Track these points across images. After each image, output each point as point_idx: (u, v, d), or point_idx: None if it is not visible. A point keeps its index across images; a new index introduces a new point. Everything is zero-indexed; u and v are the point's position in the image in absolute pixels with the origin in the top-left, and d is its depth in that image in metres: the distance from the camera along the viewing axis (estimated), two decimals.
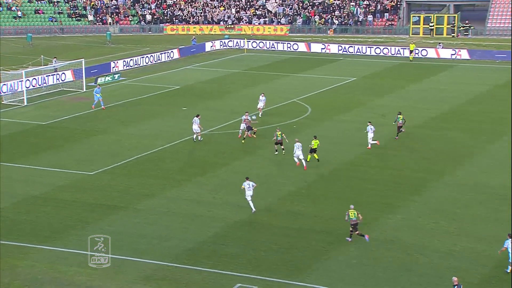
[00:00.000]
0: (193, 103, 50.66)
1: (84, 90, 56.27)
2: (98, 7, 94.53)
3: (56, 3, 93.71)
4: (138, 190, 33.87)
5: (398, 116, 42.19)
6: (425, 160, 38.70)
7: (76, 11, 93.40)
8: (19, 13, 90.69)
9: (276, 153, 38.64)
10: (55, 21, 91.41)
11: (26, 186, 34.45)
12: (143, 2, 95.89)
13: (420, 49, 73.40)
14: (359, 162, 38.27)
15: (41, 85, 56.45)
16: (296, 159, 36.81)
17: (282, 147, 38.66)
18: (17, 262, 26.43)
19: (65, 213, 31.09)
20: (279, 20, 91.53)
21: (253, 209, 30.82)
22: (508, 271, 25.59)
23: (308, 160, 37.17)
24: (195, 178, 35.40)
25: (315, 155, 37.37)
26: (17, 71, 56.03)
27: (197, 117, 41.60)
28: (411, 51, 71.34)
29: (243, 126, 41.38)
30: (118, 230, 29.06)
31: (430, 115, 48.42)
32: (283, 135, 38.63)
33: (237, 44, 79.61)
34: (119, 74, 62.16)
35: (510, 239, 25.49)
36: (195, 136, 41.44)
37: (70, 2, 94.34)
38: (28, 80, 54.65)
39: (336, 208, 31.44)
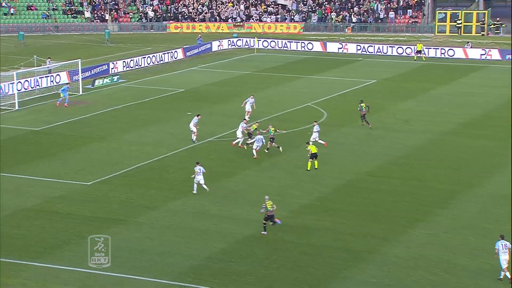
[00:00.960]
0: (199, 108, 50.67)
1: (81, 93, 56.47)
2: (95, 3, 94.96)
3: None
4: (139, 202, 33.91)
5: (361, 104, 45.58)
6: (453, 170, 38.54)
7: (72, 7, 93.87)
8: (12, 10, 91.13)
9: (266, 151, 39.99)
10: (49, 18, 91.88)
11: (17, 198, 34.54)
12: None
13: (446, 48, 73.29)
14: (380, 172, 38.18)
15: (34, 88, 56.68)
16: (255, 152, 39.48)
17: (277, 145, 40.25)
18: (6, 280, 26.46)
19: (59, 227, 31.14)
20: (292, 17, 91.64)
21: (194, 191, 34.40)
22: (502, 277, 26.09)
23: (309, 168, 37.71)
24: (200, 189, 35.39)
25: (315, 161, 37.84)
26: (7, 72, 56.30)
27: (197, 116, 42.78)
28: (418, 51, 71.38)
29: (240, 133, 41.57)
30: (117, 245, 29.05)
31: (458, 121, 48.29)
32: (277, 130, 40.29)
33: (246, 44, 79.76)
34: (118, 76, 62.37)
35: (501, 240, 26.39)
36: (193, 137, 42.52)
37: None
38: (19, 82, 54.87)
39: (355, 223, 31.37)
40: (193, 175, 34.34)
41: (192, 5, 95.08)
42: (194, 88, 58.78)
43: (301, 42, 78.57)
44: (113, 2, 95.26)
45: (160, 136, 44.61)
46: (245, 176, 37.40)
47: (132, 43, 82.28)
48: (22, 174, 37.79)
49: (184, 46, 75.14)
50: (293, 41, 79.42)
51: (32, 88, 56.51)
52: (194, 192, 34.39)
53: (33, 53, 64.27)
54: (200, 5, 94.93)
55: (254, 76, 64.10)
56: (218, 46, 78.76)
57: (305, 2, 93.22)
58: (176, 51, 73.04)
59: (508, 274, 26.14)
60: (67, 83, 55.55)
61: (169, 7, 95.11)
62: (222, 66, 69.35)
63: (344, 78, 63.12)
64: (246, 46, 79.26)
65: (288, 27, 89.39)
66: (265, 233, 30.09)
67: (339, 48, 76.63)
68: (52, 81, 58.22)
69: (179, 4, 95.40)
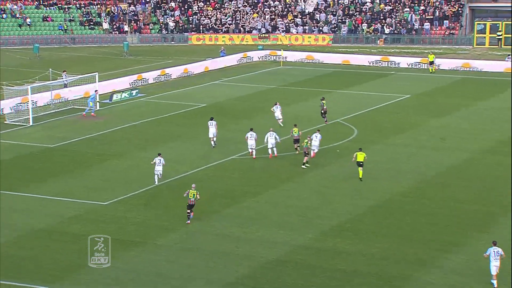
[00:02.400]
0: (222, 123, 50.67)
1: (98, 108, 56.85)
2: (114, 14, 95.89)
3: (67, 10, 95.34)
4: (158, 223, 33.95)
5: (322, 102, 50.41)
6: (493, 191, 38.15)
7: (90, 18, 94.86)
8: (28, 21, 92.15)
9: (297, 152, 43.01)
10: (65, 30, 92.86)
11: (30, 218, 34.73)
12: (166, 9, 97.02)
13: (486, 62, 72.75)
14: (414, 192, 37.91)
15: (49, 103, 57.18)
16: (270, 150, 42.57)
17: (298, 145, 43.41)
18: None
19: (74, 248, 31.22)
20: (320, 28, 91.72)
21: (156, 182, 38.11)
22: (495, 285, 27.03)
23: (361, 176, 38.91)
24: (222, 210, 35.36)
25: (360, 171, 38.77)
26: (22, 86, 56.84)
27: (211, 120, 45.22)
28: (431, 62, 71.34)
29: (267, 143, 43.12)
30: (134, 268, 29.08)
31: (499, 138, 47.87)
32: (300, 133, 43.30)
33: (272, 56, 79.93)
34: (137, 90, 62.75)
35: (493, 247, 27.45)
36: (213, 142, 44.92)
37: (82, 8, 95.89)
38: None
39: (387, 247, 31.12)
40: (152, 162, 38.08)
41: (215, 15, 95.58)
42: (216, 103, 58.92)
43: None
44: (133, 13, 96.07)
45: (180, 154, 44.71)
46: (270, 196, 37.31)
47: (152, 55, 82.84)
48: (35, 193, 38.02)
49: (206, 59, 75.46)
50: (322, 53, 79.46)
51: (47, 103, 57.00)
52: (156, 183, 38.08)
53: (49, 66, 64.91)
54: (223, 16, 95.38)
55: (280, 91, 64.11)
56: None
57: (334, 13, 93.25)
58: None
59: (495, 282, 26.94)
60: (96, 90, 56.03)
61: (191, 18, 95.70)
62: (247, 79, 69.50)
63: (376, 92, 62.91)
64: (271, 59, 79.43)
65: (316, 38, 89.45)
66: (189, 222, 33.01)
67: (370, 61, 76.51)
68: (68, 96, 58.68)
69: (202, 15, 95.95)
